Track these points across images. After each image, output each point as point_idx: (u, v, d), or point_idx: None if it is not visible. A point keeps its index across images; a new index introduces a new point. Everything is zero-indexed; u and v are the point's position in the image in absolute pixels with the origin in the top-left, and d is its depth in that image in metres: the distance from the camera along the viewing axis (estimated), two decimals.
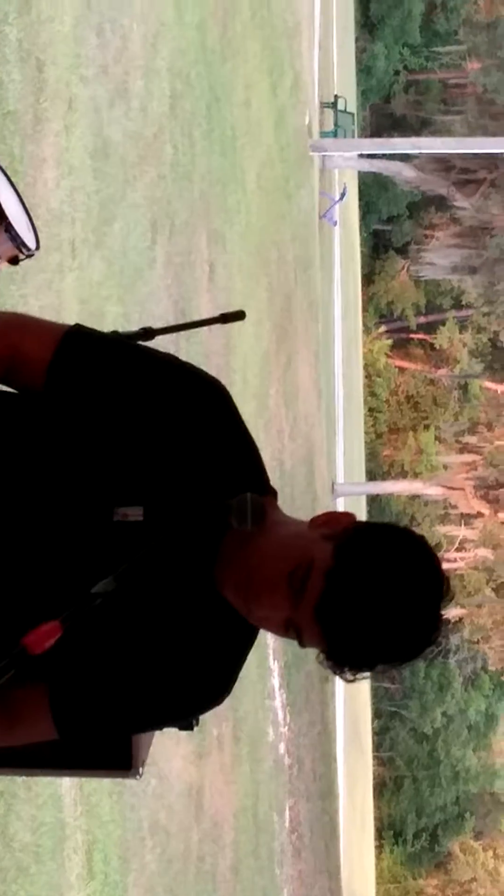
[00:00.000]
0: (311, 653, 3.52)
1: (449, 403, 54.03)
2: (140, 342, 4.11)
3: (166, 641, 3.52)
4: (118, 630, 3.43)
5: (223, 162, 23.08)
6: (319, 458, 32.56)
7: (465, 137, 47.94)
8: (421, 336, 55.41)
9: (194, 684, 3.63)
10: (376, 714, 48.37)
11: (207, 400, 3.63)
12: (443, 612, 3.33)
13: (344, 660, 3.28)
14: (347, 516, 3.48)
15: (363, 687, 40.47)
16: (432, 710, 49.84)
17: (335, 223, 40.24)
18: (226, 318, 5.74)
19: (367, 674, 3.36)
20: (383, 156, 43.35)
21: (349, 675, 3.37)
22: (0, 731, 3.54)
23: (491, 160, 47.34)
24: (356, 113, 44.38)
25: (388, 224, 54.66)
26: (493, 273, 46.12)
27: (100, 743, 4.80)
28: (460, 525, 46.42)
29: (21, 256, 6.00)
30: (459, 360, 54.82)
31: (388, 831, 50.34)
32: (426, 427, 54.54)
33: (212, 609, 3.54)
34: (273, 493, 3.58)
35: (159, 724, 4.07)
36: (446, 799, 51.34)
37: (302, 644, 3.38)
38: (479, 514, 47.81)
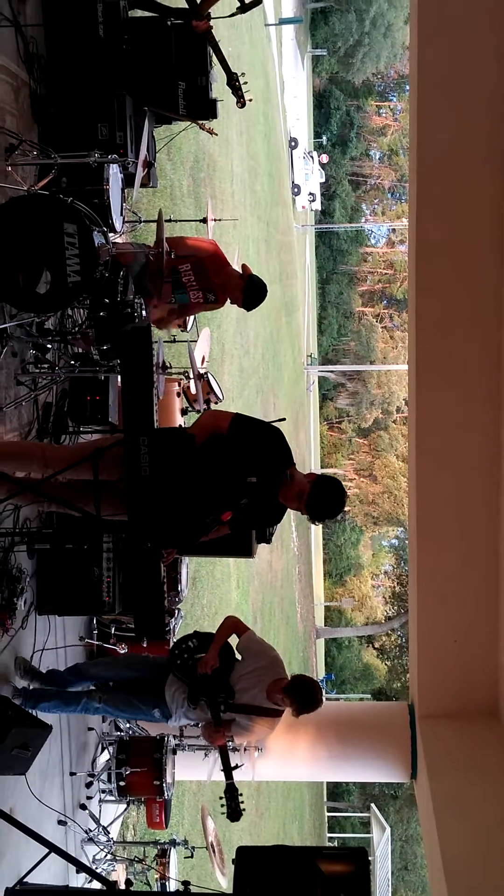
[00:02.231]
0: (303, 520, 6.67)
1: (346, 445, 61.87)
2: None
3: (265, 509, 4.65)
4: (249, 510, 4.36)
5: (279, 374, 27.39)
6: (305, 464, 42.10)
7: (350, 365, 57.92)
8: (336, 425, 63.45)
9: (273, 516, 4.86)
10: (323, 538, 54.55)
11: (277, 435, 4.63)
12: (345, 502, 4.57)
13: (315, 518, 4.56)
14: (315, 474, 4.61)
15: (319, 530, 46.73)
16: (340, 536, 57.02)
17: (311, 391, 47.01)
18: (282, 420, 5.42)
19: (322, 523, 4.82)
20: (325, 370, 53.83)
21: (317, 523, 4.81)
22: (212, 534, 4.51)
23: (357, 375, 58.10)
24: (317, 357, 51.64)
25: (328, 392, 61.91)
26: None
27: (243, 546, 6.50)
28: (347, 481, 55.79)
29: (219, 402, 7.49)
30: (348, 432, 62.37)
31: (327, 575, 57.18)
32: (338, 452, 62.12)
33: (276, 504, 4.64)
34: (294, 464, 4.61)
35: (264, 526, 5.59)
36: (345, 564, 58.26)
37: (303, 513, 4.59)
38: (352, 479, 58.06)
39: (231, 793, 4.57)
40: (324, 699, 5.25)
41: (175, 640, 5.63)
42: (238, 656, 5.41)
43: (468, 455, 6.61)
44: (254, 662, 5.32)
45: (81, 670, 5.72)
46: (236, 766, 4.85)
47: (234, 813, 4.53)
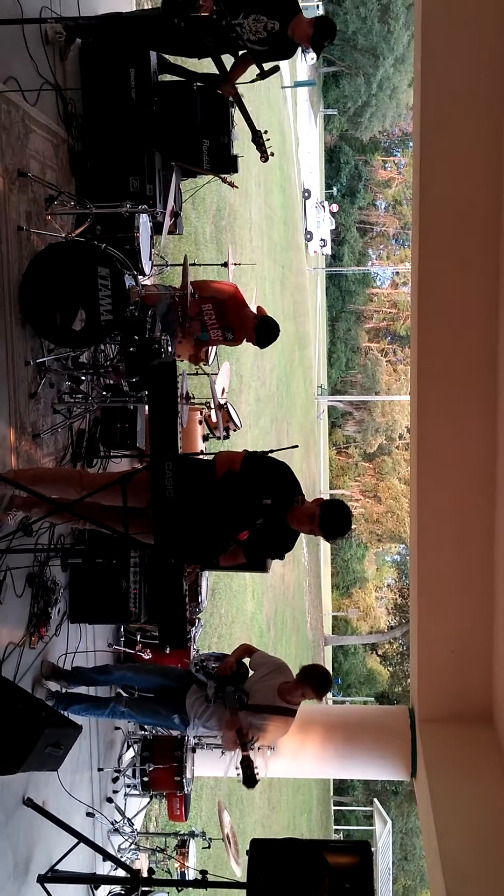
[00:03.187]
0: (316, 539, 7.10)
1: (353, 469, 60.21)
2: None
3: (277, 533, 4.63)
4: (264, 532, 4.37)
5: (292, 403, 26.67)
6: (315, 486, 41.83)
7: (357, 396, 57.44)
8: (343, 450, 62.13)
9: (285, 543, 4.79)
10: (331, 554, 51.70)
11: (285, 468, 4.71)
12: (351, 515, 4.65)
13: (329, 537, 4.62)
14: (322, 499, 4.69)
15: (328, 546, 43.94)
16: (347, 552, 54.09)
17: (321, 419, 46.54)
18: (295, 446, 7.51)
19: (335, 541, 5.09)
20: (334, 400, 53.38)
21: (331, 542, 5.10)
22: (230, 561, 4.60)
23: (363, 405, 57.41)
24: (327, 388, 50.72)
25: (337, 419, 61.01)
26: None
27: (258, 564, 5.63)
28: (353, 502, 53.97)
29: (237, 429, 7.61)
30: (355, 456, 61.00)
31: (334, 587, 54.78)
32: (345, 474, 60.70)
33: (287, 531, 4.67)
34: (302, 493, 4.70)
35: (277, 552, 4.95)
36: (351, 577, 55.78)
37: (316, 534, 4.64)
38: (358, 499, 56.20)
39: (246, 763, 4.55)
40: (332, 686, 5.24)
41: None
42: (251, 672, 5.41)
43: (465, 478, 6.60)
44: (264, 670, 5.33)
45: (109, 669, 5.72)
46: (252, 740, 4.80)
47: (250, 780, 4.51)
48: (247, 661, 5.49)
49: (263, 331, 6.18)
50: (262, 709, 5.09)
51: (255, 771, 4.53)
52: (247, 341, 6.34)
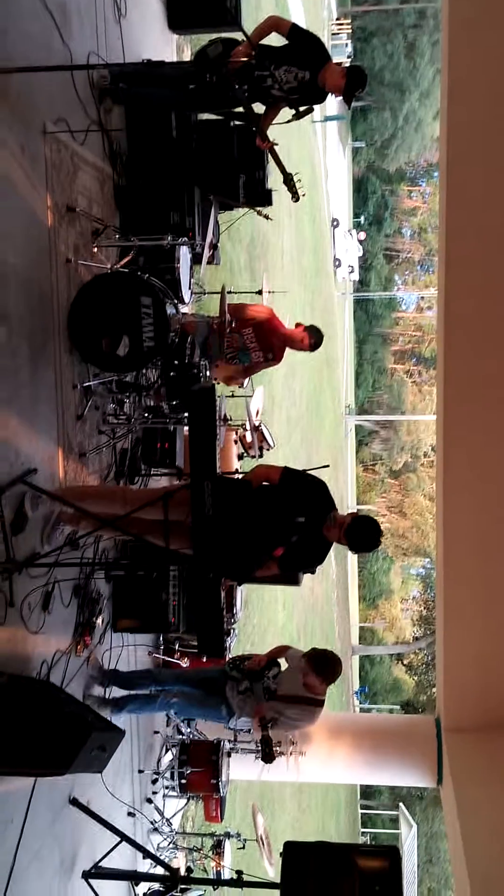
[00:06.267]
0: (340, 550, 6.79)
1: (379, 485, 59.13)
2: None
3: (310, 547, 4.63)
4: (298, 546, 4.47)
5: (321, 422, 26.87)
6: (343, 502, 41.51)
7: (383, 415, 56.90)
8: (370, 467, 61.12)
9: (317, 557, 4.75)
10: (358, 567, 50.41)
11: (321, 485, 4.70)
12: (380, 538, 4.54)
13: (354, 549, 4.59)
14: (354, 513, 4.63)
15: (355, 560, 43.11)
16: (374, 565, 52.09)
17: (348, 437, 45.65)
18: (326, 466, 6.20)
19: (362, 553, 5.11)
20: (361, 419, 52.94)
21: (356, 553, 4.88)
22: (264, 572, 4.63)
23: (389, 424, 56.92)
24: (354, 407, 49.96)
25: (364, 438, 60.08)
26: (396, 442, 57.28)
27: (291, 578, 6.41)
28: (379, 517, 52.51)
29: (270, 448, 7.62)
30: (381, 473, 59.58)
31: (361, 599, 53.08)
32: (372, 490, 59.60)
33: (321, 543, 4.62)
34: (336, 508, 4.65)
35: (310, 566, 4.92)
36: (377, 589, 54.07)
37: (342, 543, 4.55)
38: (384, 514, 55.03)
39: (265, 741, 4.76)
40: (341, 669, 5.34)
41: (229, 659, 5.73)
42: (283, 666, 5.54)
43: (489, 494, 6.59)
44: (293, 663, 5.45)
45: (153, 673, 5.80)
46: (273, 720, 4.99)
47: (268, 756, 4.72)
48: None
49: (315, 334, 6.29)
50: (289, 699, 5.20)
51: (274, 749, 4.76)
52: (298, 350, 6.40)
